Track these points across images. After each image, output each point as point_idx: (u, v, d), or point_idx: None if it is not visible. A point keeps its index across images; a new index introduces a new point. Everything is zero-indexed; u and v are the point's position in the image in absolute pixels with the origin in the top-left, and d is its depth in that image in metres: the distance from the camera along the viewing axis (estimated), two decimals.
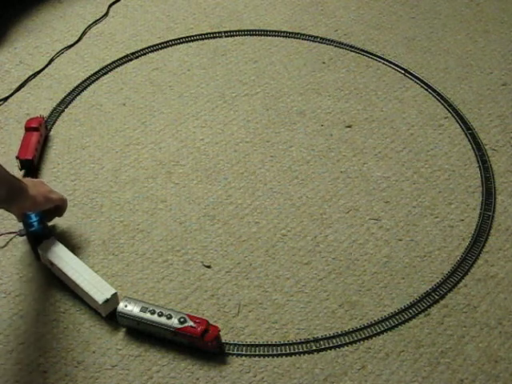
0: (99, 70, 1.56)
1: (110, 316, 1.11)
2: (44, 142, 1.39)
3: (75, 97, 1.50)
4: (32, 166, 1.32)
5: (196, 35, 1.66)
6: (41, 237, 1.16)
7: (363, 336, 1.11)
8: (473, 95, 1.53)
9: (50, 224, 1.21)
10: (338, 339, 1.10)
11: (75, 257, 1.14)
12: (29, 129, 1.35)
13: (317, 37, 1.66)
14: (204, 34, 1.66)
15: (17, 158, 1.31)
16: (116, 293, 1.10)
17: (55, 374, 1.05)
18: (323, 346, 1.09)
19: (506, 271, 1.20)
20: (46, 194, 1.13)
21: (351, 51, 1.63)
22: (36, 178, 1.32)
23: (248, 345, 1.09)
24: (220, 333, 1.08)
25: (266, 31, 1.68)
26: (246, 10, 1.74)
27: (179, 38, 1.65)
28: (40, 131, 1.35)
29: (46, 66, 1.57)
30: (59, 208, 1.19)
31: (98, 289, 1.09)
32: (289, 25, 1.70)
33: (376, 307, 1.15)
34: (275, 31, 1.68)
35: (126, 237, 1.24)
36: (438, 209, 1.30)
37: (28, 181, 1.12)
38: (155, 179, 1.34)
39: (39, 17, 1.70)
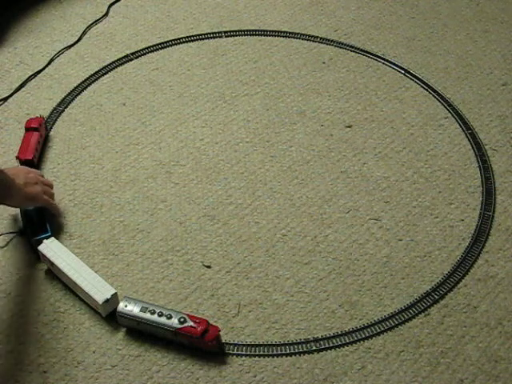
0: (99, 70, 1.56)
1: (110, 316, 1.11)
2: (44, 142, 1.39)
3: (75, 97, 1.50)
4: (32, 166, 1.31)
5: (196, 35, 1.66)
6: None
7: (363, 336, 1.11)
8: (473, 95, 1.53)
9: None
10: (337, 339, 1.10)
11: (75, 257, 1.14)
12: (29, 129, 1.35)
13: (317, 37, 1.66)
14: (204, 34, 1.66)
15: (17, 158, 1.31)
16: (116, 293, 1.10)
17: (55, 373, 1.05)
18: (323, 346, 1.09)
19: (506, 271, 1.20)
20: (30, 197, 1.16)
21: (351, 51, 1.63)
22: None
23: (248, 345, 1.09)
24: (220, 333, 1.08)
25: (266, 31, 1.68)
26: (245, 10, 1.74)
27: (179, 38, 1.65)
28: (40, 131, 1.35)
29: (46, 66, 1.57)
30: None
31: (98, 289, 1.09)
32: (289, 25, 1.70)
33: (376, 307, 1.15)
34: (275, 31, 1.68)
35: (126, 237, 1.24)
36: (438, 209, 1.30)
37: (20, 175, 1.15)
38: (155, 179, 1.34)
39: (39, 17, 1.70)
